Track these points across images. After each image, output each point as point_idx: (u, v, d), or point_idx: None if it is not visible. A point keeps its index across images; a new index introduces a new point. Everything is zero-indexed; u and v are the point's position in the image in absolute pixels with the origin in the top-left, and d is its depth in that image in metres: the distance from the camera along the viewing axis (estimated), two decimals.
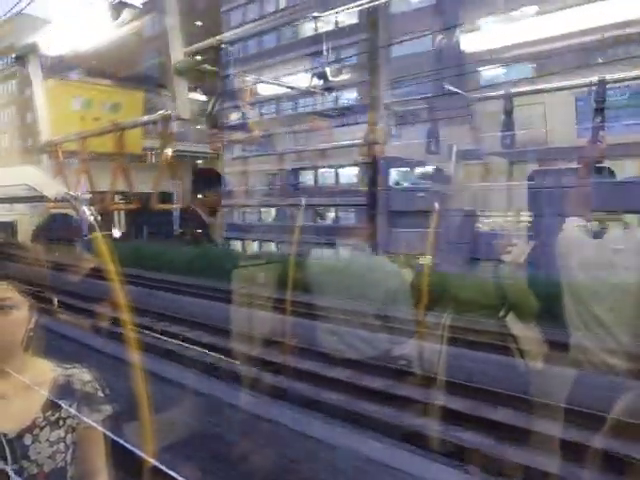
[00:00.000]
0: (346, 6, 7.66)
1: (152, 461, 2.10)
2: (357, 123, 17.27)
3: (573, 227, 3.19)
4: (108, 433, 1.58)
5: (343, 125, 18.78)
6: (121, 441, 1.44)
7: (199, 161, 25.66)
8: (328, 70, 12.14)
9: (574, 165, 9.39)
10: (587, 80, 6.96)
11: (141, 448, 3.00)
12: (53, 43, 11.53)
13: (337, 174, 21.50)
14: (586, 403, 4.26)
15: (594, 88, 6.72)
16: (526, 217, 13.02)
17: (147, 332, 8.40)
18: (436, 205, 6.74)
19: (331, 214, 21.28)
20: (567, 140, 12.32)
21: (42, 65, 14.20)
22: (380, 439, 4.52)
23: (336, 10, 8.14)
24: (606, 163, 12.01)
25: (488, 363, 6.58)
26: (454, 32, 12.80)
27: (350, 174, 20.90)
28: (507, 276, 3.83)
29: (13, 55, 13.63)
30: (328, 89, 14.25)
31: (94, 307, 9.36)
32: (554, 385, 3.67)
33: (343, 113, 19.19)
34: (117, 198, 14.79)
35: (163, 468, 1.44)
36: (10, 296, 1.51)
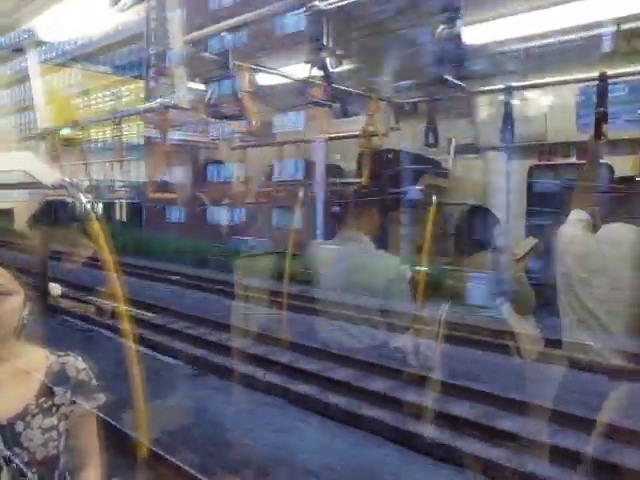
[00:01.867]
0: None
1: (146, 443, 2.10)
2: None
3: (573, 222, 3.18)
4: (104, 417, 1.58)
5: None
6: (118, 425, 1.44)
7: None
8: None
9: None
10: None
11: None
12: (51, 29, 11.42)
13: None
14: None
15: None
16: None
17: None
18: None
19: None
20: None
21: (39, 51, 14.09)
22: None
23: None
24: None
25: None
26: None
27: None
28: None
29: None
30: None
31: None
32: None
33: None
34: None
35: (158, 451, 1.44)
36: (2, 283, 1.50)
